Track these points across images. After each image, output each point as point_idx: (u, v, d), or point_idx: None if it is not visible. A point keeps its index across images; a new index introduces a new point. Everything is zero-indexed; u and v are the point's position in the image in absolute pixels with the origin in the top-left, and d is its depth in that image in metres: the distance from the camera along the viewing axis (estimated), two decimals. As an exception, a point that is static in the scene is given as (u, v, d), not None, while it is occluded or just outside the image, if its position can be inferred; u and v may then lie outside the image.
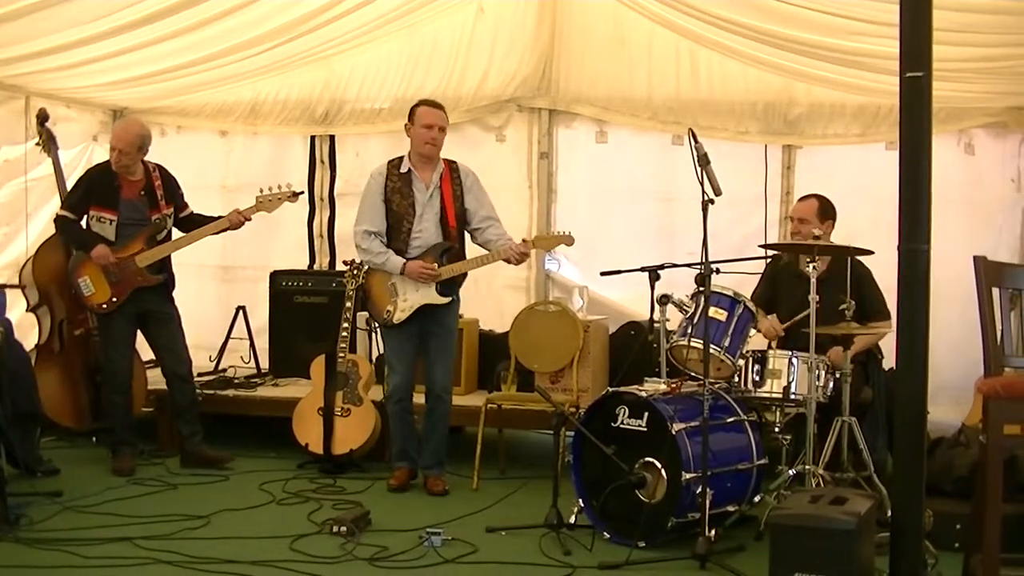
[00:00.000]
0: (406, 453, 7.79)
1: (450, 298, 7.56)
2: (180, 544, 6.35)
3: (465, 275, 7.69)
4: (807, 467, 6.48)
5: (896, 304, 5.33)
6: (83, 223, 8.16)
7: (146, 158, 8.25)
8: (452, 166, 7.69)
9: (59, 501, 7.23)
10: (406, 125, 7.66)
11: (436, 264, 7.46)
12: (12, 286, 8.33)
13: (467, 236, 7.75)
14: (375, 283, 7.71)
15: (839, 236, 7.53)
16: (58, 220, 8.27)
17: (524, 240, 7.51)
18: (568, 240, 7.57)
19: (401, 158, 7.67)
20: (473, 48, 9.99)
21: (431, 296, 7.50)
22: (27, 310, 8.73)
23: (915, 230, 5.21)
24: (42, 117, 8.89)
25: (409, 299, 7.53)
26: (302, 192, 8.73)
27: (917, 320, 5.23)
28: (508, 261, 7.49)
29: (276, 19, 8.78)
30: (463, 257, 7.65)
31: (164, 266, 8.24)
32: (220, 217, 8.27)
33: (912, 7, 5.22)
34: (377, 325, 8.17)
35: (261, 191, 8.20)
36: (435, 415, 7.70)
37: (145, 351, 8.69)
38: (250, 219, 8.24)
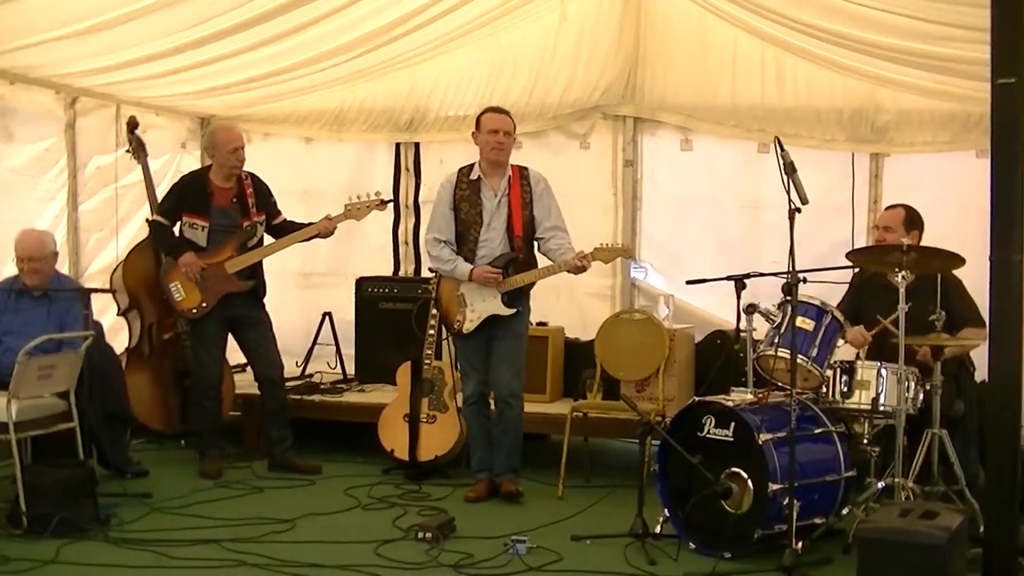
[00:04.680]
0: (486, 463, 7.79)
1: (515, 309, 7.54)
2: (266, 547, 6.43)
3: (532, 284, 7.66)
4: (896, 480, 6.38)
5: (988, 316, 5.26)
6: (175, 229, 8.27)
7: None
8: (522, 172, 7.69)
9: (148, 502, 7.38)
10: (473, 133, 7.69)
11: (501, 275, 7.47)
12: (103, 290, 8.44)
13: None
14: (445, 293, 7.76)
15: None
16: (151, 224, 8.41)
17: (582, 253, 7.44)
18: (625, 252, 7.65)
19: (472, 166, 7.70)
20: (557, 55, 10.01)
21: (497, 307, 7.50)
22: (118, 314, 8.88)
23: (1007, 240, 5.16)
24: (132, 125, 9.04)
25: (477, 310, 7.56)
26: (391, 200, 8.77)
27: (1010, 332, 5.18)
28: (570, 271, 7.49)
29: (361, 28, 8.86)
30: (531, 266, 7.62)
31: (254, 272, 8.31)
32: (310, 224, 8.33)
33: (1004, 11, 5.18)
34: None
35: (350, 199, 8.27)
36: (504, 420, 7.66)
37: (232, 356, 8.77)
38: (335, 228, 8.31)
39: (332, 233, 8.35)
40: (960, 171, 8.96)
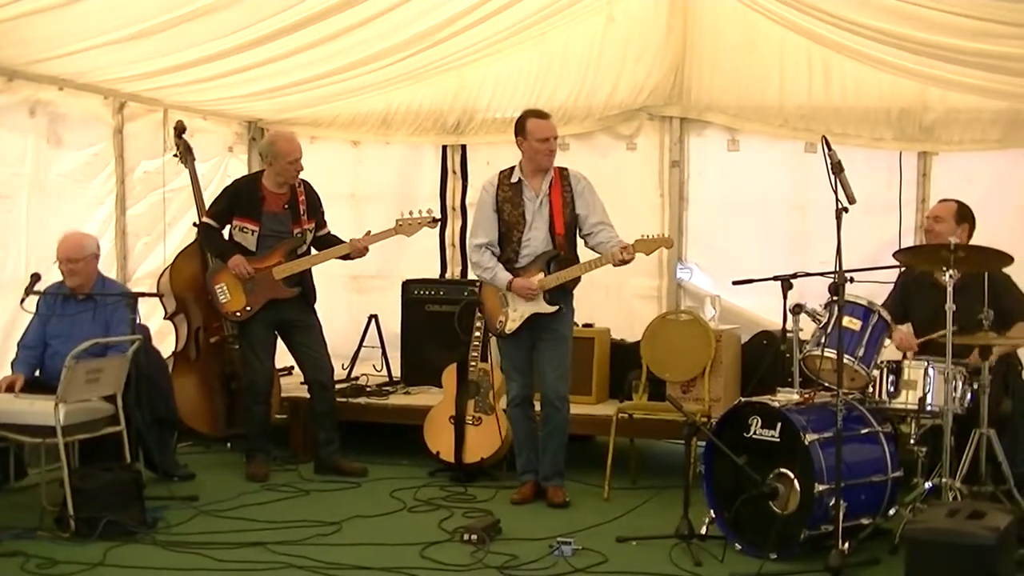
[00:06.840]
0: (532, 464, 7.78)
1: (558, 307, 7.52)
2: (312, 549, 6.46)
3: (576, 282, 7.64)
4: (944, 480, 6.35)
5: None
6: (224, 232, 8.31)
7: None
8: (563, 173, 7.66)
9: (195, 505, 7.43)
10: (517, 139, 7.64)
11: (543, 273, 7.46)
12: (150, 294, 8.50)
13: (580, 241, 7.72)
14: (488, 294, 7.76)
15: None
16: (201, 226, 8.49)
17: (625, 245, 7.42)
18: (667, 243, 7.59)
19: (512, 168, 7.69)
20: (604, 57, 10.00)
21: (540, 306, 7.48)
22: (165, 318, 8.95)
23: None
24: (179, 129, 9.12)
25: (519, 309, 7.55)
26: (441, 219, 8.77)
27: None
28: (613, 264, 7.44)
29: (408, 30, 8.86)
30: (573, 263, 7.58)
31: (301, 279, 8.32)
32: (345, 242, 8.35)
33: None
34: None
35: (402, 214, 8.29)
36: (551, 424, 7.65)
37: (277, 359, 8.76)
38: (368, 249, 8.31)
39: (365, 254, 8.35)
40: (1010, 169, 8.91)
